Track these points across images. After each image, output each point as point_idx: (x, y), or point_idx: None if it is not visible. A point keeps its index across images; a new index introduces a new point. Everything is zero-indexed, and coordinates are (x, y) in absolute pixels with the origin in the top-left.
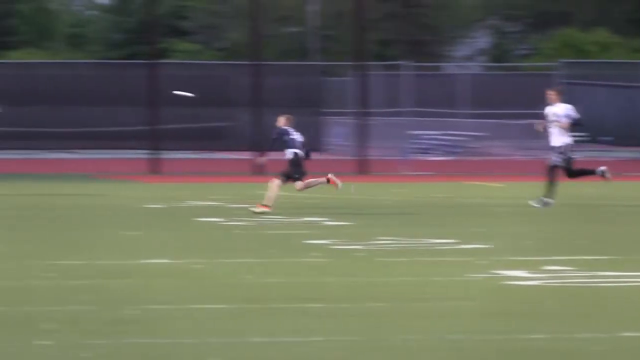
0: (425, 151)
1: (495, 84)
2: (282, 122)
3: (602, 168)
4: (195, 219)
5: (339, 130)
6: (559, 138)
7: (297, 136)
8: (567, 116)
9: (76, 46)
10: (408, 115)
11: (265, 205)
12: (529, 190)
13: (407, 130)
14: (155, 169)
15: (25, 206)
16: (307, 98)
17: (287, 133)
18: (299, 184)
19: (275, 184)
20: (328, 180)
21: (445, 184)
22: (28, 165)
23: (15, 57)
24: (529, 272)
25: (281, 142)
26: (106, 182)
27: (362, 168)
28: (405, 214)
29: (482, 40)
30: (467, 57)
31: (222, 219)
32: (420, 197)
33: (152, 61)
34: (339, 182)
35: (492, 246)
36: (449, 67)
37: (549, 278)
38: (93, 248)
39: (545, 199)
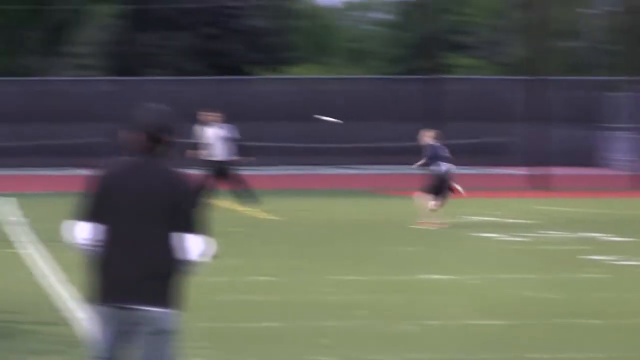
0: None
1: None
2: (428, 137)
3: None
4: (473, 234)
5: (619, 146)
6: None
7: (444, 151)
8: None
9: (355, 61)
10: None
11: (424, 222)
12: None
13: None
14: None
15: (309, 222)
16: (587, 113)
17: (438, 149)
18: (433, 203)
19: (423, 200)
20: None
21: None
22: (308, 180)
23: (295, 72)
24: None
25: (433, 158)
26: (385, 198)
27: None
28: None
29: None
30: None
31: (499, 235)
32: None
33: (430, 76)
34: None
35: None
36: None
37: None
38: (373, 263)
39: None
